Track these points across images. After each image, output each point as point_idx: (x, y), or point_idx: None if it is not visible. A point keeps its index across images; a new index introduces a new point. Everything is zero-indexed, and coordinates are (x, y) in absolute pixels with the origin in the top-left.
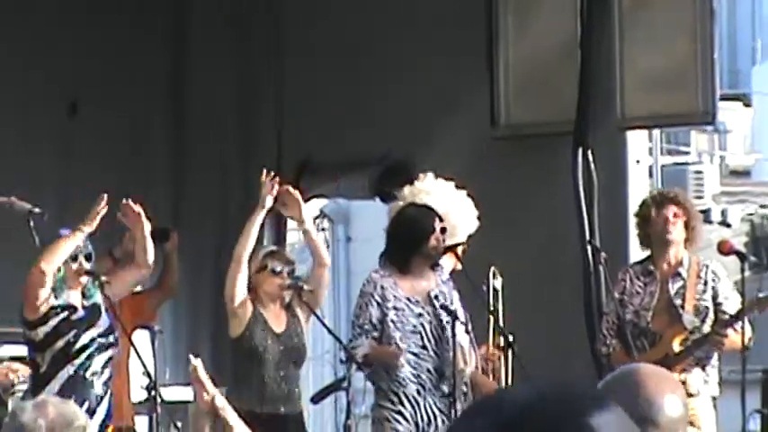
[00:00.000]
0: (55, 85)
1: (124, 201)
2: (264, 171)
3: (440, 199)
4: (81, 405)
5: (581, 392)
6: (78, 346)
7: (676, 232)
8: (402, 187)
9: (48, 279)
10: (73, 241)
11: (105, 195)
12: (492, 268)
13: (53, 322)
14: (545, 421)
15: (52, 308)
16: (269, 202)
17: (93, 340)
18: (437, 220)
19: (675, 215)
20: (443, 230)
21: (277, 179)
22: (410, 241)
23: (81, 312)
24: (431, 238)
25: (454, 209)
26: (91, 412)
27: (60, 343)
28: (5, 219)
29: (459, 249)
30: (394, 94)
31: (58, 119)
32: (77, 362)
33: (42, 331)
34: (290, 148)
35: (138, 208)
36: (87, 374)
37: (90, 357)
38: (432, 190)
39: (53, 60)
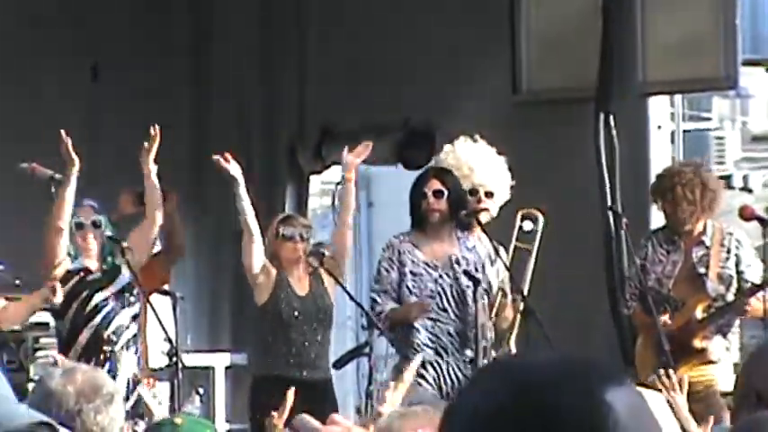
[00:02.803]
0: (76, 48)
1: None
2: (215, 157)
3: (481, 167)
4: (102, 366)
5: (598, 367)
6: (92, 305)
7: (685, 222)
8: (424, 153)
9: (64, 235)
10: (69, 186)
11: (63, 132)
12: (519, 212)
13: (68, 285)
14: (561, 392)
15: (68, 272)
16: (234, 172)
17: (106, 299)
18: (431, 182)
19: (675, 197)
20: (438, 194)
21: (225, 155)
22: (412, 204)
23: (97, 274)
24: (422, 201)
25: (495, 174)
26: (113, 374)
27: (75, 305)
28: (27, 186)
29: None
30: (415, 60)
31: (80, 84)
32: (94, 323)
33: (60, 296)
34: (311, 115)
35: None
36: (106, 335)
37: (107, 318)
38: (471, 158)
39: (73, 23)
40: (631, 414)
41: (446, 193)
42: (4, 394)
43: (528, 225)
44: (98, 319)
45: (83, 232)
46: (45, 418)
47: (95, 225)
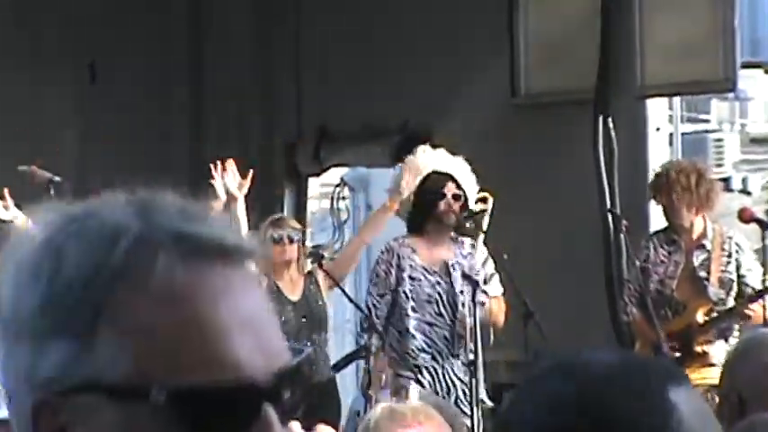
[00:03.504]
0: (74, 49)
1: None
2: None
3: (438, 167)
4: None
5: (661, 367)
6: None
7: (682, 212)
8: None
9: None
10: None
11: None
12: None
13: None
14: (628, 390)
15: None
16: (231, 189)
17: None
18: (449, 185)
19: (669, 182)
20: (456, 197)
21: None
22: (423, 207)
23: None
24: (440, 203)
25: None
26: None
27: None
28: (26, 187)
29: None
30: (414, 63)
31: (78, 85)
32: None
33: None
34: (309, 118)
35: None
36: None
37: None
38: (429, 160)
39: (71, 24)
40: (695, 415)
41: (462, 197)
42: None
43: (478, 206)
44: None
45: None
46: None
47: None
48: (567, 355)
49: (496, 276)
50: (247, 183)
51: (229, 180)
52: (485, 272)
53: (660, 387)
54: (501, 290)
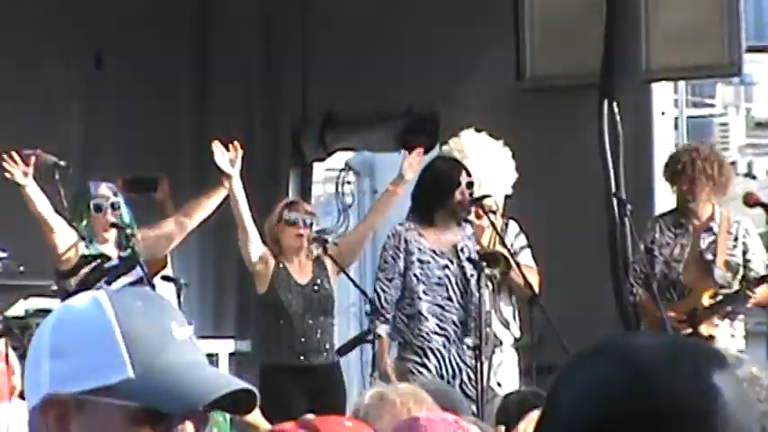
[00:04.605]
0: (79, 34)
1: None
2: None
3: (479, 157)
4: None
5: (705, 351)
6: None
7: (697, 197)
8: (427, 140)
9: (48, 219)
10: (33, 188)
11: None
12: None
13: (84, 271)
14: (680, 374)
15: (83, 256)
16: (227, 169)
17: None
18: (463, 173)
19: (692, 182)
20: (470, 185)
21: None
22: (435, 195)
23: (115, 261)
24: (455, 192)
25: (492, 166)
26: None
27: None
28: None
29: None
30: (419, 47)
31: (83, 70)
32: None
33: (74, 281)
34: (314, 103)
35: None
36: None
37: None
38: (471, 148)
39: (77, 9)
40: (738, 398)
41: (472, 184)
42: (201, 360)
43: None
44: None
45: (102, 215)
46: (245, 384)
47: (114, 207)
48: (614, 339)
49: (528, 250)
50: (239, 157)
51: (224, 158)
52: (517, 244)
53: (706, 371)
54: (534, 263)
